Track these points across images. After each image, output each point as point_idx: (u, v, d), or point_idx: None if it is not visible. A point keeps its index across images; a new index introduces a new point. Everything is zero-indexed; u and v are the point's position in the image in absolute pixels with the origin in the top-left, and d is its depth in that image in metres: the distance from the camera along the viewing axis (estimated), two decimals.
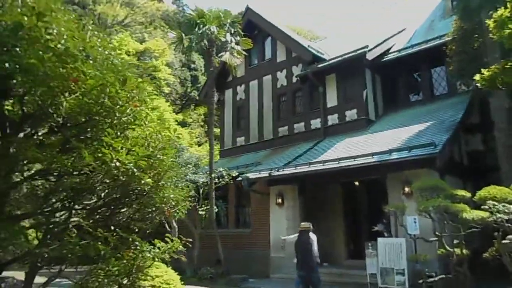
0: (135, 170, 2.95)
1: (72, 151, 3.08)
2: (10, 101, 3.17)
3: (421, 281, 8.03)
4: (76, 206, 3.48)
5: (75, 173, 3.47)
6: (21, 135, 3.19)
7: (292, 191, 12.62)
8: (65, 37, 3.18)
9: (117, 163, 2.92)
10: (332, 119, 14.08)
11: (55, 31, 3.02)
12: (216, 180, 12.94)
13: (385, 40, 14.06)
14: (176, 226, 13.29)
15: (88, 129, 3.17)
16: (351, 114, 13.65)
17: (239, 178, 12.78)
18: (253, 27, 16.93)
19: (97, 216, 3.53)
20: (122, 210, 3.56)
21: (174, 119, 26.66)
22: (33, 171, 3.42)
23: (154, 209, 3.70)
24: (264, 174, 12.17)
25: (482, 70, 6.22)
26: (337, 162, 10.72)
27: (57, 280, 3.56)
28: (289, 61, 15.81)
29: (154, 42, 28.70)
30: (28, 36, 2.83)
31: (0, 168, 2.99)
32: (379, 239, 9.41)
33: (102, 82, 2.96)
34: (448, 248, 7.54)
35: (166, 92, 28.58)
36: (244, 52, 13.92)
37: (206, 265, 12.92)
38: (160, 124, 3.70)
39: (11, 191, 3.42)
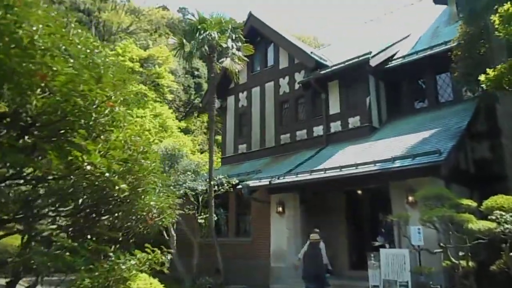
0: (107, 174, 2.71)
1: (44, 154, 2.86)
2: None
3: None
4: (50, 213, 3.26)
5: (49, 177, 3.26)
6: None
7: (293, 200, 12.33)
8: (39, 32, 2.99)
9: (88, 167, 2.69)
10: (335, 126, 13.82)
11: (25, 25, 2.82)
12: (216, 187, 12.68)
13: (389, 46, 13.83)
14: (175, 235, 13.03)
15: (60, 131, 2.95)
16: (354, 121, 13.38)
17: (239, 186, 12.52)
18: (255, 33, 16.79)
19: (73, 225, 3.28)
20: (103, 218, 3.31)
21: (177, 126, 26.57)
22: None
23: (134, 217, 3.45)
24: (265, 182, 11.91)
25: (488, 70, 5.95)
26: (339, 170, 10.44)
27: None
28: (292, 67, 15.62)
29: (157, 49, 28.73)
30: None
31: None
32: (382, 250, 9.09)
33: (73, 79, 2.74)
34: (453, 260, 7.21)
35: (169, 99, 28.53)
36: (245, 58, 13.74)
37: (206, 275, 12.60)
38: (140, 126, 3.44)
39: None
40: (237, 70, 13.45)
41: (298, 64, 15.31)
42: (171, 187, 11.70)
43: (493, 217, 6.55)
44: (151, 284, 4.84)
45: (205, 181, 12.86)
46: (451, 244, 7.30)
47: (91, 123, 3.08)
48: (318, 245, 9.01)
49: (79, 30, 3.93)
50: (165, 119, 25.11)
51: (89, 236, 3.31)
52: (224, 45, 13.18)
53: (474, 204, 7.29)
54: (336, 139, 13.52)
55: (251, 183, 12.21)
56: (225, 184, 12.45)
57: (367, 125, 12.98)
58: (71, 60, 3.28)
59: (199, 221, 12.62)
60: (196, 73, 31.89)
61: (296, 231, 12.16)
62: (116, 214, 3.32)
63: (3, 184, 3.61)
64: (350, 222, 12.91)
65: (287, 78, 15.70)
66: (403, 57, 13.64)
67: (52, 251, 3.21)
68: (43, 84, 2.68)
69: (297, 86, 15.13)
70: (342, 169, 10.37)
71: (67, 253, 2.82)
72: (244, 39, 14.25)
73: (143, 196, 3.39)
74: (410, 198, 9.59)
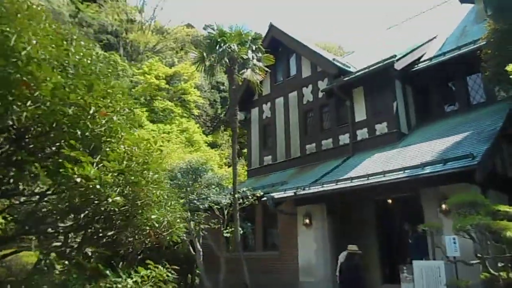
0: (98, 187, 2.56)
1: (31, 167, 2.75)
2: None
3: None
4: (50, 230, 3.14)
5: (48, 192, 3.16)
6: None
7: (320, 211, 11.95)
8: (32, 42, 2.93)
9: (78, 179, 2.55)
10: (361, 133, 13.38)
11: (13, 35, 2.76)
12: (241, 200, 12.48)
13: (414, 49, 13.34)
14: (201, 250, 12.88)
15: (55, 142, 2.84)
16: (381, 127, 12.92)
17: (264, 198, 12.27)
18: (277, 44, 16.67)
19: (70, 242, 3.15)
20: (100, 234, 3.16)
21: (204, 140, 26.71)
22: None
23: (135, 231, 3.28)
24: (290, 193, 11.61)
25: None
26: (366, 178, 10.02)
27: None
28: (315, 76, 15.35)
29: (183, 65, 29.15)
30: None
31: None
32: (415, 262, 8.57)
33: (61, 87, 2.63)
34: (492, 271, 6.65)
35: (196, 114, 28.79)
36: (266, 69, 13.61)
37: None
38: (137, 136, 3.29)
39: None
40: (258, 81, 13.33)
41: (321, 72, 15.04)
42: (195, 201, 11.64)
43: None
44: None
45: (230, 194, 12.69)
46: (489, 255, 6.75)
47: (87, 134, 2.96)
48: (356, 256, 8.68)
49: (82, 42, 3.85)
50: (192, 134, 25.29)
51: (90, 253, 3.16)
52: (245, 57, 13.11)
53: None
54: (363, 147, 13.08)
55: (276, 195, 11.94)
56: (250, 197, 12.22)
57: (395, 131, 12.49)
58: (71, 71, 3.20)
59: (225, 235, 12.40)
60: (221, 87, 32.12)
61: (325, 243, 11.74)
62: (114, 230, 3.15)
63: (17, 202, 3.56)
64: (381, 233, 12.36)
65: (310, 87, 15.44)
66: (430, 59, 13.11)
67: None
68: (29, 94, 2.58)
69: (320, 94, 14.83)
70: (369, 178, 9.95)
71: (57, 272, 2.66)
72: (264, 50, 14.16)
73: (144, 210, 3.22)
74: (444, 206, 9.04)
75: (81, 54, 3.42)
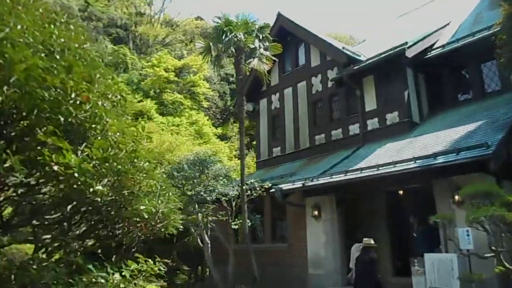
0: (76, 175, 2.39)
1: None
2: None
3: None
4: (35, 222, 3.00)
5: (32, 183, 3.01)
6: None
7: (330, 203, 11.73)
8: (17, 27, 2.78)
9: (56, 167, 2.38)
10: (372, 123, 13.06)
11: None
12: (249, 192, 12.32)
13: (426, 36, 12.91)
14: (209, 242, 12.79)
15: (28, 129, 2.67)
16: (392, 117, 12.58)
17: (272, 190, 12.08)
18: (285, 33, 16.36)
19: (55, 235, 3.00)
20: (83, 227, 3.00)
21: (213, 133, 26.59)
22: None
23: (125, 223, 3.12)
24: (298, 184, 11.40)
25: None
26: (376, 169, 9.75)
27: None
28: (324, 65, 15.03)
29: (192, 58, 28.97)
30: None
31: None
32: (426, 255, 8.31)
33: (36, 68, 2.45)
34: (507, 265, 6.37)
35: (205, 107, 28.66)
36: (273, 58, 13.35)
37: (242, 283, 12.25)
38: (124, 121, 3.11)
39: None
40: (265, 71, 13.08)
41: (330, 61, 14.72)
42: (202, 193, 11.51)
43: None
44: None
45: (238, 186, 12.54)
46: (503, 248, 6.46)
47: (70, 120, 2.79)
48: (371, 250, 8.47)
49: (71, 26, 3.69)
50: (201, 126, 25.18)
51: (76, 247, 3.01)
52: (252, 46, 12.86)
53: None
54: (374, 137, 12.76)
55: (284, 186, 11.74)
56: (258, 188, 12.05)
57: (407, 121, 12.14)
58: (58, 56, 3.03)
59: (233, 227, 12.26)
60: (231, 79, 31.87)
61: (334, 236, 11.53)
62: (101, 222, 2.99)
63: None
64: (392, 225, 12.07)
65: (319, 76, 15.13)
66: (443, 46, 12.69)
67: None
68: (1, 77, 2.41)
69: (330, 84, 14.51)
70: (380, 168, 9.68)
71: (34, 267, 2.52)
72: (271, 39, 13.89)
73: (133, 200, 3.05)
74: (457, 197, 8.72)
75: (68, 37, 3.25)
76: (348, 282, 10.60)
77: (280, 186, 11.77)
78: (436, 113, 12.42)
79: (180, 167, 11.99)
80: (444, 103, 12.55)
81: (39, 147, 2.54)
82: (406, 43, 12.07)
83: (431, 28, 13.56)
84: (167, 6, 39.19)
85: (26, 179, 2.93)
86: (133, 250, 3.74)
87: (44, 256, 3.37)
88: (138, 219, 3.18)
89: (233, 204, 12.53)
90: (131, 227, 3.28)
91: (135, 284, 3.03)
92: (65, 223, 2.99)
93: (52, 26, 3.27)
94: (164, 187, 3.71)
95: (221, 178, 12.20)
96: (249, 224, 12.37)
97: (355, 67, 13.21)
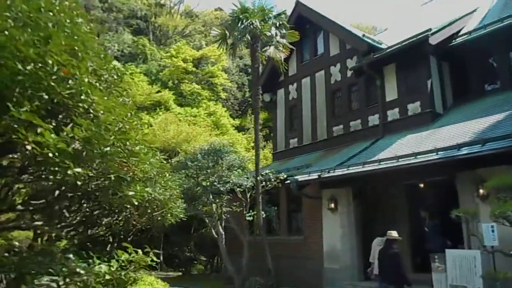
0: (50, 155, 2.17)
1: None
2: None
3: None
4: (19, 207, 2.81)
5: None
6: None
7: (346, 195, 11.37)
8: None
9: (29, 147, 2.16)
10: (392, 114, 12.57)
11: None
12: (264, 183, 12.08)
13: (451, 22, 12.28)
14: (223, 233, 12.65)
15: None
16: (413, 107, 12.06)
17: (288, 181, 11.79)
18: (304, 21, 15.91)
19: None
20: (66, 214, 2.79)
21: (231, 124, 26.42)
22: None
23: (112, 210, 2.89)
24: (314, 176, 11.06)
25: None
26: (396, 160, 9.32)
27: None
28: (343, 54, 14.55)
29: (210, 48, 28.75)
30: None
31: None
32: (448, 251, 7.89)
33: (8, 39, 2.23)
34: None
35: (223, 98, 28.48)
36: (290, 46, 12.98)
37: (256, 275, 12.05)
38: (113, 100, 2.87)
39: None
40: (282, 59, 12.74)
41: (350, 49, 14.22)
42: (215, 183, 11.32)
43: None
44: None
45: (252, 177, 12.31)
46: None
47: (53, 96, 2.57)
48: (395, 243, 8.14)
49: (66, 3, 3.47)
50: (219, 117, 25.03)
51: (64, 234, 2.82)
52: (268, 34, 12.55)
53: None
54: (394, 128, 12.28)
55: (300, 177, 11.42)
56: (273, 179, 11.78)
57: (429, 111, 11.61)
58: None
59: (247, 218, 12.05)
60: (249, 70, 31.52)
61: (351, 229, 11.19)
62: (84, 208, 2.78)
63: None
64: (413, 219, 11.60)
65: (338, 65, 14.65)
66: (469, 33, 12.04)
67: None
68: None
69: (349, 73, 14.04)
70: (399, 160, 9.24)
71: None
72: (290, 27, 13.54)
73: (123, 186, 2.82)
74: (481, 191, 8.27)
75: (58, 11, 3.02)
76: (367, 277, 10.29)
77: (296, 177, 11.47)
78: (461, 104, 11.84)
79: (194, 157, 11.82)
80: (469, 93, 11.94)
81: (16, 126, 2.33)
82: (430, 29, 11.50)
83: (458, 15, 12.92)
84: None
85: None
86: (129, 239, 3.52)
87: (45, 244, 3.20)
88: (129, 207, 2.96)
89: (248, 195, 12.30)
90: (120, 215, 3.06)
91: (124, 275, 2.81)
92: (61, 210, 2.80)
93: None
94: (160, 173, 3.47)
95: (235, 168, 11.97)
96: (264, 215, 12.14)
97: (375, 56, 12.70)
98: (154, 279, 6.12)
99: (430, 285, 8.30)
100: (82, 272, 2.41)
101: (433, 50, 11.83)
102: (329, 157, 13.07)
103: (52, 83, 2.51)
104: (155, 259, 3.01)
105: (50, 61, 2.38)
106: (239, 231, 12.70)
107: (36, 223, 3.11)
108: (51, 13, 2.96)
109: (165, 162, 3.93)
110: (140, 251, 2.84)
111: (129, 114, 3.03)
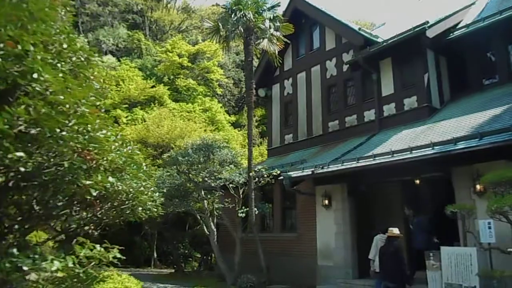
0: None
1: None
2: None
3: None
4: None
5: None
6: None
7: (341, 191, 11.12)
8: None
9: None
10: (388, 109, 12.31)
11: None
12: (257, 179, 11.81)
13: (449, 15, 12.03)
14: (215, 230, 12.39)
15: None
16: (410, 102, 11.80)
17: (281, 177, 11.53)
18: (299, 15, 15.63)
19: None
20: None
21: (227, 120, 26.14)
22: None
23: (63, 202, 2.61)
24: (307, 172, 10.80)
25: None
26: (390, 155, 9.07)
27: None
28: (339, 48, 14.27)
29: (206, 43, 28.40)
30: None
31: None
32: (443, 248, 7.65)
33: None
34: None
35: (219, 94, 28.17)
36: (284, 39, 12.71)
37: (249, 272, 11.81)
38: (69, 80, 2.59)
39: None
40: (276, 52, 12.46)
41: (346, 43, 13.95)
42: (206, 179, 11.05)
43: None
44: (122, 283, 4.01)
45: (245, 173, 12.04)
46: None
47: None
48: (397, 241, 7.92)
49: None
50: (215, 113, 24.73)
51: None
52: (262, 27, 12.27)
53: None
54: (390, 123, 12.03)
55: (293, 173, 11.17)
56: (265, 175, 11.52)
57: (426, 106, 11.36)
58: None
59: (240, 215, 11.79)
60: None
61: (345, 226, 10.94)
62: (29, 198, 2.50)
63: None
64: (409, 216, 11.38)
65: (334, 60, 14.38)
66: (467, 26, 11.78)
67: None
68: None
69: (345, 68, 13.77)
70: (394, 155, 8.99)
71: None
72: (285, 21, 13.26)
73: (80, 175, 2.55)
74: (478, 187, 8.04)
75: None
76: (361, 274, 10.07)
77: (289, 173, 11.21)
78: (458, 98, 11.60)
79: (185, 152, 11.55)
80: (467, 87, 11.71)
81: None
82: (427, 22, 11.24)
83: (456, 8, 12.65)
84: None
85: None
86: (95, 234, 3.25)
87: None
88: (88, 198, 2.69)
89: (241, 191, 12.05)
90: (75, 207, 2.80)
91: (84, 272, 2.55)
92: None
93: None
94: (129, 162, 3.19)
95: (227, 164, 11.70)
96: (256, 212, 11.88)
97: (371, 49, 12.43)
98: (126, 277, 5.86)
99: (425, 283, 8.06)
100: (25, 268, 2.14)
101: (430, 43, 11.58)
102: (324, 153, 12.82)
103: None
104: (118, 255, 2.74)
105: None
106: (231, 228, 12.46)
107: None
108: None
109: (139, 152, 3.63)
110: (97, 247, 2.57)
111: (93, 98, 2.75)
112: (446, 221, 8.78)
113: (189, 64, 27.21)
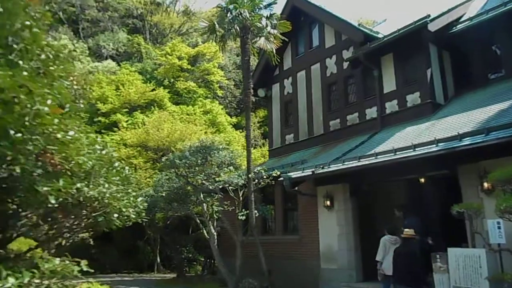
0: None
1: None
2: None
3: None
4: None
5: None
6: None
7: (343, 192, 10.78)
8: None
9: None
10: (391, 106, 11.97)
11: None
12: (256, 181, 11.50)
13: (452, 8, 11.69)
14: (215, 233, 12.09)
15: None
16: (413, 98, 11.45)
17: (281, 178, 11.20)
18: (298, 13, 15.33)
19: None
20: None
21: (228, 122, 25.88)
22: None
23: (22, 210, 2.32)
24: (308, 172, 10.46)
25: None
26: (393, 153, 8.71)
27: None
28: (339, 45, 13.94)
29: (205, 45, 28.16)
30: None
31: None
32: (450, 250, 7.28)
33: None
34: None
35: (220, 96, 27.91)
36: (282, 37, 12.40)
37: (251, 277, 11.48)
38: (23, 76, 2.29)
39: None
40: (273, 50, 12.16)
41: (345, 40, 13.62)
42: (204, 181, 10.75)
43: None
44: None
45: (244, 175, 11.73)
46: None
47: None
48: (413, 241, 7.56)
49: None
50: (216, 115, 24.47)
51: None
52: (259, 25, 11.97)
53: None
54: (393, 121, 11.69)
55: (293, 174, 10.84)
56: (265, 177, 11.20)
57: (429, 102, 11.01)
58: None
59: (240, 218, 11.47)
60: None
61: (348, 227, 10.59)
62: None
63: None
64: (424, 217, 10.96)
65: (334, 57, 14.05)
66: (471, 19, 11.42)
67: None
68: None
69: (345, 65, 13.42)
70: (397, 153, 8.65)
71: None
72: (284, 19, 12.96)
73: (36, 179, 2.26)
74: (486, 185, 7.67)
75: None
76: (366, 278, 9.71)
77: (289, 174, 10.88)
78: (463, 94, 11.24)
79: (183, 155, 11.26)
80: (471, 82, 11.34)
81: None
82: (429, 15, 10.90)
83: (458, 1, 12.29)
84: None
85: None
86: (67, 244, 2.95)
87: None
88: (43, 204, 2.40)
89: (240, 194, 11.73)
90: (33, 215, 2.51)
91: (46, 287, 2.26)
92: None
93: None
94: (102, 166, 2.90)
95: (225, 166, 11.39)
96: (257, 214, 11.56)
97: (372, 45, 12.09)
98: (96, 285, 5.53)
99: (432, 286, 7.69)
100: None
101: (433, 37, 11.24)
102: (325, 152, 12.49)
103: None
104: (84, 268, 2.45)
105: None
106: (232, 231, 12.15)
107: None
108: None
109: (116, 155, 3.33)
110: (55, 260, 2.28)
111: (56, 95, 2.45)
112: (453, 221, 8.44)
113: (189, 67, 26.98)
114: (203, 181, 10.83)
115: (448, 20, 11.52)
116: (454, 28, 11.59)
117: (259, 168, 11.74)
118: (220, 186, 11.59)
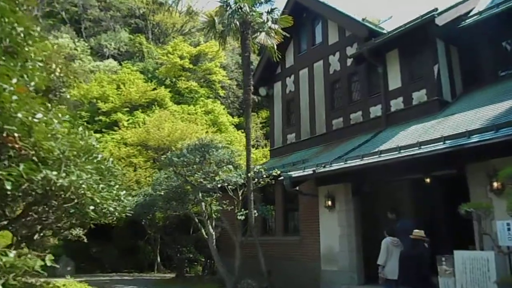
0: None
1: None
2: None
3: None
4: None
5: None
6: None
7: (345, 192, 10.42)
8: None
9: None
10: (396, 104, 11.59)
11: None
12: (256, 180, 11.16)
13: (460, 2, 11.28)
14: (214, 233, 11.76)
15: None
16: (419, 95, 11.07)
17: (281, 178, 10.85)
18: (301, 9, 15.00)
19: None
20: None
21: (230, 122, 25.59)
22: None
23: None
24: (309, 171, 10.10)
25: None
26: (397, 152, 8.35)
27: None
28: (343, 42, 13.58)
29: (207, 44, 27.89)
30: None
31: None
32: (457, 253, 6.89)
33: None
34: None
35: (222, 95, 27.62)
36: (284, 33, 12.06)
37: (250, 277, 11.13)
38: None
39: None
40: (274, 46, 11.83)
41: (349, 36, 13.26)
42: (201, 180, 10.45)
43: None
44: None
45: (244, 174, 11.39)
46: None
47: None
48: (422, 243, 7.19)
49: None
50: (217, 115, 24.18)
51: None
52: (259, 20, 11.66)
53: None
54: (398, 119, 11.31)
55: (294, 173, 10.48)
56: (265, 176, 10.86)
57: (436, 99, 10.62)
58: None
59: (239, 217, 11.12)
60: (250, 67, 30.68)
61: (350, 228, 10.22)
62: None
63: None
64: (420, 218, 10.59)
65: (337, 54, 13.69)
66: (480, 13, 11.01)
67: None
68: None
69: (349, 62, 13.07)
70: (401, 151, 8.28)
71: None
72: (286, 14, 12.64)
73: None
74: (495, 184, 7.29)
75: None
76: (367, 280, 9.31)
77: (289, 173, 10.53)
78: (471, 91, 10.84)
79: (181, 153, 10.96)
80: (480, 79, 10.94)
81: None
82: (436, 9, 10.51)
83: None
84: None
85: None
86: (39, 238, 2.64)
87: None
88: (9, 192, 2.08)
89: (240, 193, 11.40)
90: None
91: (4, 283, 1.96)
92: None
93: None
94: (72, 155, 2.57)
95: (224, 164, 11.05)
96: (256, 214, 11.22)
97: (377, 41, 11.72)
98: (80, 285, 5.22)
99: None
100: None
101: (440, 32, 10.85)
102: (327, 151, 12.14)
103: None
104: (49, 263, 2.15)
105: None
106: (231, 231, 11.81)
107: None
108: None
109: (94, 143, 3.01)
110: (29, 256, 1.99)
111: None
112: (458, 224, 8.04)
113: (191, 66, 26.73)
114: (201, 180, 10.49)
115: (456, 14, 11.11)
116: (463, 22, 11.18)
117: (259, 167, 11.39)
118: (219, 185, 11.27)
